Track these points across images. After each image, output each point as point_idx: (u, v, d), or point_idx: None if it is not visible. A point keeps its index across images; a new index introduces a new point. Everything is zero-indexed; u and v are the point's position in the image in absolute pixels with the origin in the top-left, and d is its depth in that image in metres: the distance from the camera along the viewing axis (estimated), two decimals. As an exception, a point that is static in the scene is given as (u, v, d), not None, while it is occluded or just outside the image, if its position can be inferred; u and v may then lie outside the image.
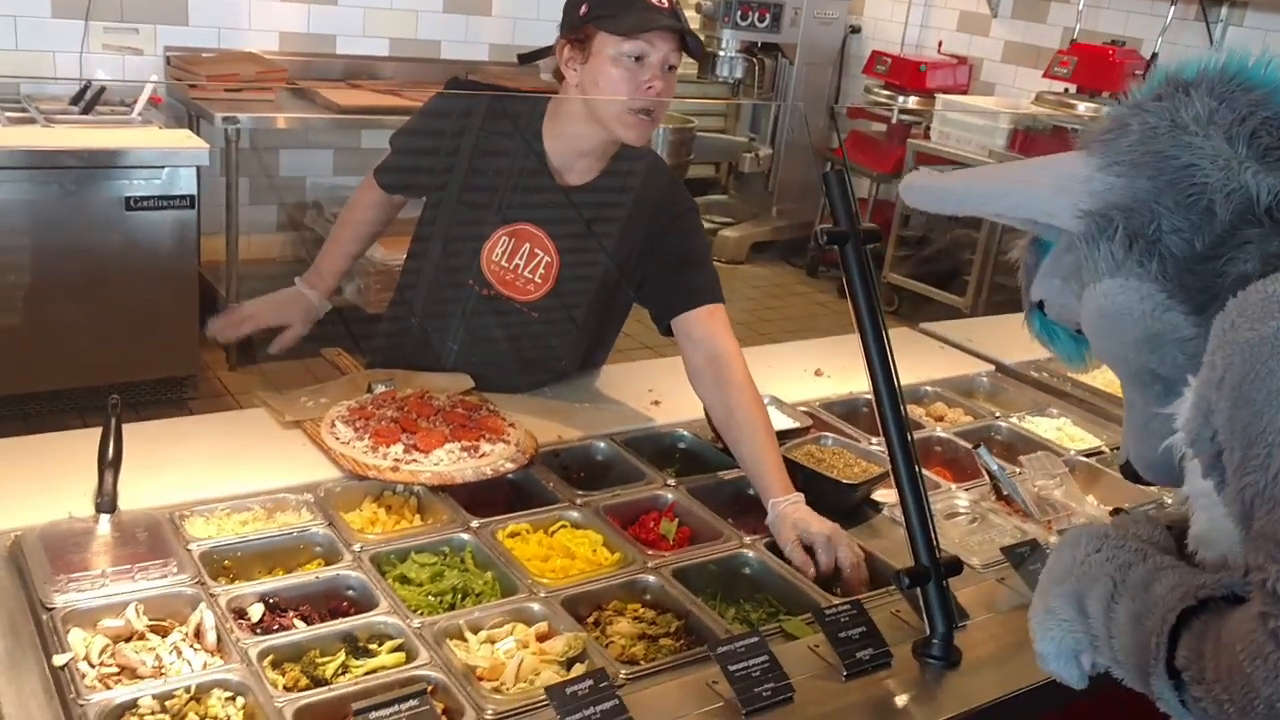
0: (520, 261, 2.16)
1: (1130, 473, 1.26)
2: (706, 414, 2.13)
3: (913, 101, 6.24)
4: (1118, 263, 1.12)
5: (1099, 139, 1.18)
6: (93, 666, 1.37)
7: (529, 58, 2.33)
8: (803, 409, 2.24)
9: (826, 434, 2.13)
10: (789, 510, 1.80)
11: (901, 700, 1.44)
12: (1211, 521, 1.09)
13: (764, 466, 1.89)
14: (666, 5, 2.01)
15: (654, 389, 2.33)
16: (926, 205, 1.26)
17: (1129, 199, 1.12)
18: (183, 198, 4.04)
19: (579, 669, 1.45)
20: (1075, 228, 1.15)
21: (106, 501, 1.64)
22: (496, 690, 1.40)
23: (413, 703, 1.21)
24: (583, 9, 2.03)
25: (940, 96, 5.92)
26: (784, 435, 2.08)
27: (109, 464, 1.66)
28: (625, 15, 1.98)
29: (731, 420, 1.98)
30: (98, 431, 1.70)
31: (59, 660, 1.35)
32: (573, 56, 2.05)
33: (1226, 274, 1.08)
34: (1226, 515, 1.04)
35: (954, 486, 2.05)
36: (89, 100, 4.25)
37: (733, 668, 1.37)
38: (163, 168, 3.97)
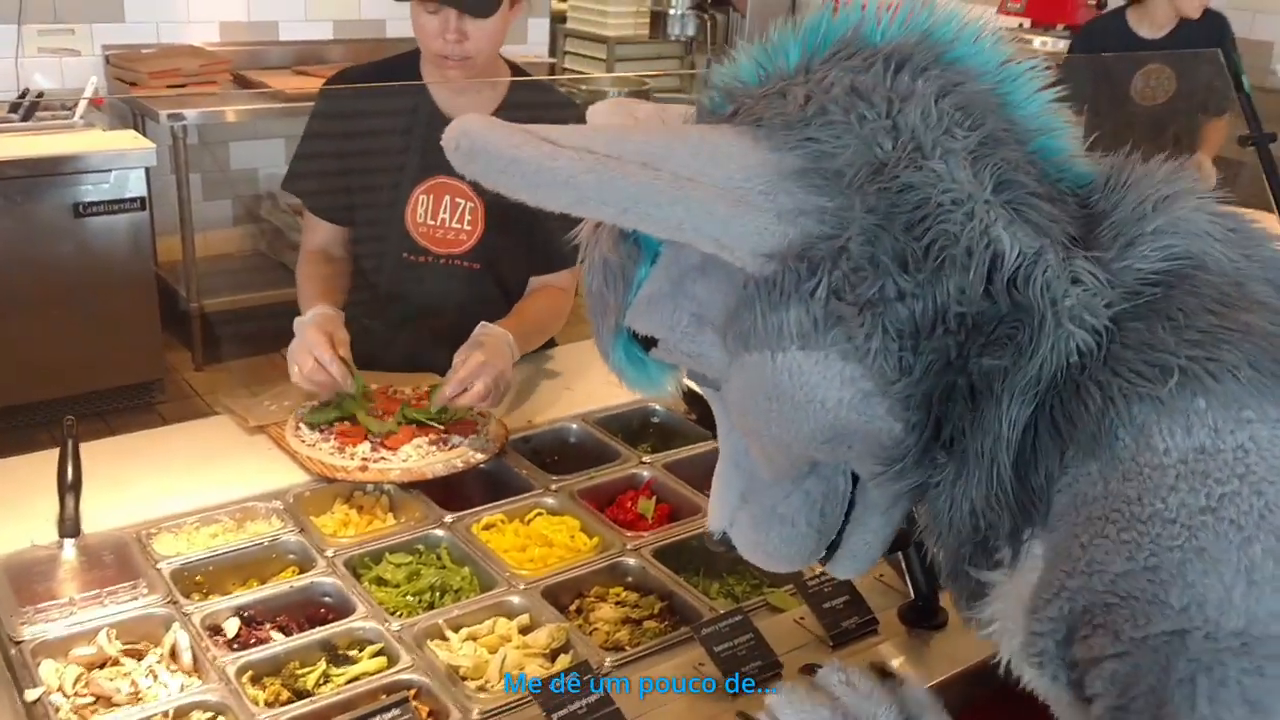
0: (445, 215, 2.17)
1: (726, 544, 1.00)
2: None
3: (867, 48, 6.20)
4: (820, 330, 0.80)
5: (778, 119, 0.82)
6: (67, 698, 1.34)
7: None
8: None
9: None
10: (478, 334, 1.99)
11: (891, 666, 1.43)
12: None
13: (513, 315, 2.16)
14: None
15: (623, 364, 2.30)
16: (510, 182, 0.80)
17: (838, 239, 0.79)
18: (133, 200, 3.96)
19: (564, 660, 1.43)
20: (754, 269, 0.82)
21: (69, 525, 1.60)
22: (481, 689, 1.38)
23: (395, 712, 1.19)
24: None
25: (894, 42, 5.87)
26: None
27: (69, 487, 1.62)
28: None
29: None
30: (56, 453, 1.67)
31: (30, 695, 1.32)
32: None
33: (956, 379, 0.82)
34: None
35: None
36: (28, 107, 4.15)
37: (718, 648, 1.36)
38: (110, 171, 3.89)
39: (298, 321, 2.03)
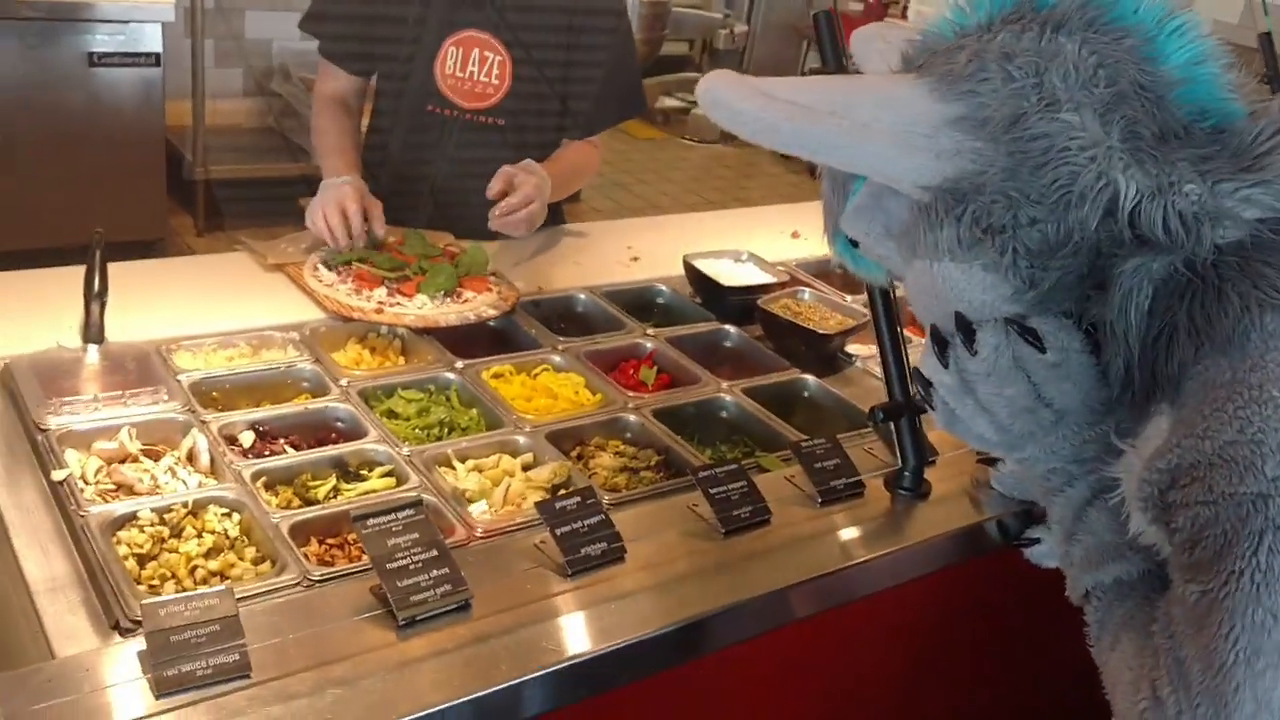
0: (474, 68, 2.20)
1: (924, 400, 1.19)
2: (686, 267, 2.16)
3: (892, -21, 6.17)
4: (964, 247, 1.00)
5: (947, 74, 1.01)
6: (89, 484, 1.40)
7: None
8: (780, 267, 2.28)
9: (803, 288, 2.17)
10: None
11: (873, 526, 1.51)
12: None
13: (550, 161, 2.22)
14: None
15: (632, 245, 2.35)
16: (737, 129, 1.02)
17: (983, 175, 0.98)
18: (148, 55, 3.95)
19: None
20: (917, 197, 1.03)
21: (94, 332, 1.65)
22: (485, 511, 1.45)
23: (409, 512, 1.25)
24: None
25: (919, -26, 5.84)
26: (762, 289, 2.12)
27: (95, 296, 1.66)
28: None
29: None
30: (80, 269, 1.70)
31: (58, 475, 1.38)
32: None
33: (1086, 281, 1.01)
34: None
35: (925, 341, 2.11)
36: (46, -49, 4.10)
37: (713, 491, 1.43)
38: (127, 23, 3.88)
39: (327, 183, 2.06)
